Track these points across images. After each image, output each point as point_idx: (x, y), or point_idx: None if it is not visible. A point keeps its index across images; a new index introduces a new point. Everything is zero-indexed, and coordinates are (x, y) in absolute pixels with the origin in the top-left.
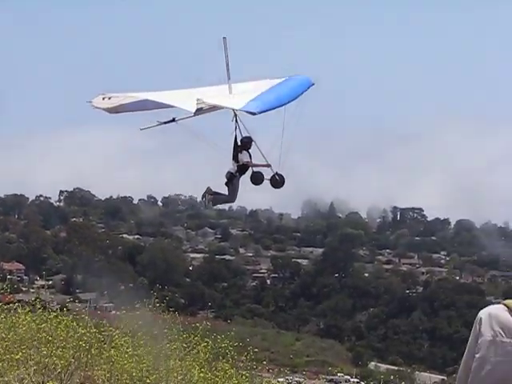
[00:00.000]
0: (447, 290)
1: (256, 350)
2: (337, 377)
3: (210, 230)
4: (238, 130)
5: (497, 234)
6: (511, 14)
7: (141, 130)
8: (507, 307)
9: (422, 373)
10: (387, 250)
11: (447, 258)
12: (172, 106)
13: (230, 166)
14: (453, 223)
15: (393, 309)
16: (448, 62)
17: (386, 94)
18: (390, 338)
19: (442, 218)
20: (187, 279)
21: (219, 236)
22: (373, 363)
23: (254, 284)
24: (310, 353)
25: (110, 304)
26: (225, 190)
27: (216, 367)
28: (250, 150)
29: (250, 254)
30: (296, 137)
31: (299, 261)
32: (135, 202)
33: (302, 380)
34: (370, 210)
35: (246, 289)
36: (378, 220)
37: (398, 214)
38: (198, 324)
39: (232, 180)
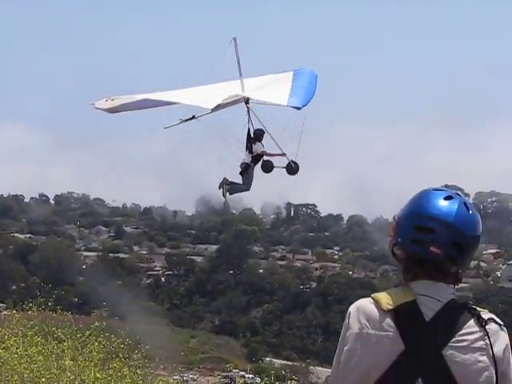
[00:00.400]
0: (340, 285)
1: (150, 347)
2: (232, 373)
3: (104, 228)
4: (250, 123)
5: (388, 229)
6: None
7: (165, 128)
8: (374, 300)
9: (317, 367)
10: (281, 246)
11: (340, 254)
12: (173, 103)
13: (243, 156)
14: (345, 219)
15: (287, 304)
16: (330, 58)
17: None
18: (285, 334)
19: (334, 214)
20: (80, 278)
21: (113, 234)
22: (268, 359)
23: (149, 282)
24: (205, 350)
25: (1, 304)
26: (239, 180)
27: (109, 366)
28: (262, 142)
29: (145, 252)
30: (186, 134)
31: (194, 258)
32: (27, 200)
33: (196, 377)
34: (263, 206)
35: (141, 287)
36: (272, 216)
37: (292, 210)
38: (91, 323)
39: (247, 170)
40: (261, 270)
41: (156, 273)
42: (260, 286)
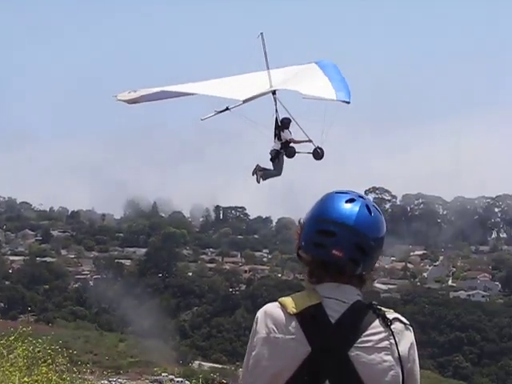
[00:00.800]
0: (270, 288)
1: (78, 352)
2: (161, 377)
3: (31, 232)
4: (277, 112)
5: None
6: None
7: (202, 120)
8: (280, 304)
9: None
10: (210, 249)
11: (269, 256)
12: (191, 94)
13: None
14: (274, 221)
15: (216, 307)
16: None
17: None
18: (214, 337)
19: (263, 217)
20: (7, 282)
21: (40, 238)
22: (197, 362)
23: (77, 286)
24: (133, 353)
25: None
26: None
27: (35, 372)
28: (289, 129)
29: (72, 256)
30: (115, 137)
31: (122, 261)
32: None
33: (125, 381)
34: (192, 209)
35: (68, 291)
36: (201, 219)
37: (221, 212)
38: (18, 328)
39: (278, 156)
40: (190, 273)
41: (84, 277)
42: (189, 288)
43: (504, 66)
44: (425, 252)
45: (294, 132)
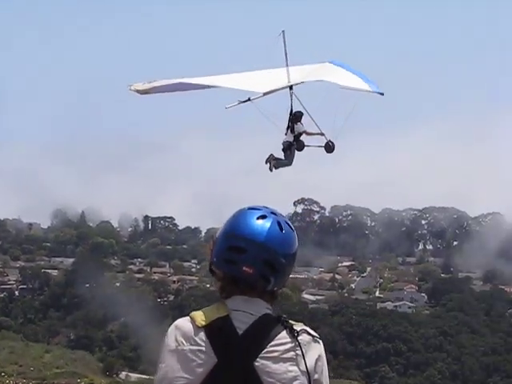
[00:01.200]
0: (198, 298)
1: (3, 363)
2: None
3: None
4: (292, 106)
5: None
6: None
7: (226, 108)
8: (190, 318)
9: None
10: (139, 259)
11: (198, 267)
12: (213, 87)
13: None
14: (203, 232)
15: (144, 318)
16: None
17: (137, 104)
18: (142, 348)
19: (192, 227)
20: None
21: None
22: (124, 373)
23: (2, 296)
24: (59, 364)
25: None
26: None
27: None
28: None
29: None
30: (42, 146)
31: (49, 271)
32: None
33: None
34: (121, 219)
35: None
36: (130, 229)
37: (150, 222)
38: None
39: (290, 147)
40: (118, 283)
41: (10, 286)
42: (117, 299)
43: (423, 79)
44: (353, 263)
45: (305, 125)
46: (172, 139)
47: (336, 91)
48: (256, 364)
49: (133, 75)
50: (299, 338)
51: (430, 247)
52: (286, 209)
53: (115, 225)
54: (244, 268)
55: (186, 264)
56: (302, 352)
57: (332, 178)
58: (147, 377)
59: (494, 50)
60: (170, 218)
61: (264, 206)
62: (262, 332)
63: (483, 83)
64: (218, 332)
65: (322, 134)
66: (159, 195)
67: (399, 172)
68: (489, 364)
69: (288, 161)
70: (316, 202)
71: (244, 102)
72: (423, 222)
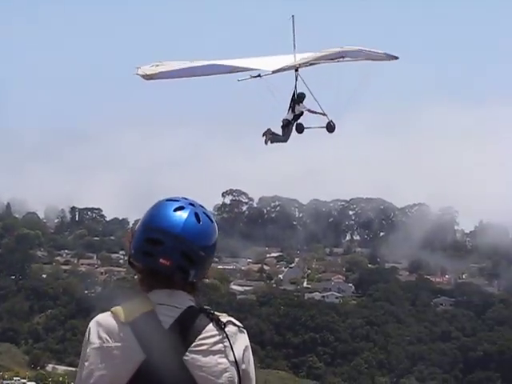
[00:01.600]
0: (126, 289)
1: None
2: (12, 381)
3: None
4: (296, 87)
5: None
6: None
7: (238, 81)
8: (113, 313)
9: None
10: (66, 251)
11: (126, 258)
12: (232, 69)
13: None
14: (131, 223)
15: (71, 310)
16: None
17: (67, 92)
18: (69, 340)
19: (120, 218)
20: None
21: None
22: (51, 365)
23: None
24: None
25: None
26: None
27: None
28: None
29: None
30: None
31: None
32: None
33: None
34: (47, 210)
35: None
36: (56, 220)
37: (77, 214)
38: None
39: (288, 125)
40: (44, 275)
41: None
42: (43, 291)
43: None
44: (281, 254)
45: (309, 106)
46: (99, 129)
47: (336, 74)
48: (185, 358)
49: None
50: (226, 329)
51: (357, 238)
52: (214, 200)
53: (41, 216)
54: (161, 260)
55: (114, 255)
56: (230, 343)
57: (260, 170)
58: (74, 369)
59: (401, 41)
60: (97, 209)
61: (183, 197)
62: (188, 325)
63: (404, 76)
64: (143, 327)
65: (324, 115)
66: (86, 186)
67: (327, 163)
68: (414, 353)
69: (284, 137)
70: (244, 193)
71: (255, 77)
72: (350, 212)
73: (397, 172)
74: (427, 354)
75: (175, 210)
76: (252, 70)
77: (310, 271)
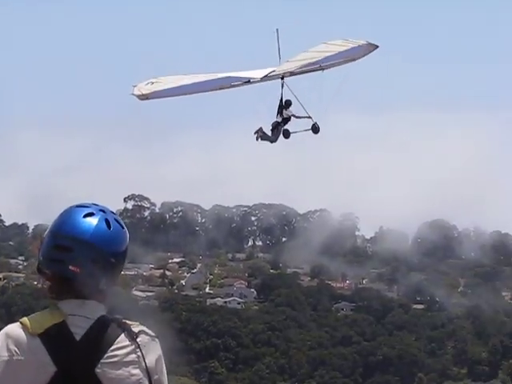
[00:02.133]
0: (25, 296)
1: None
2: None
3: None
4: (282, 94)
5: None
6: None
7: (231, 85)
8: (22, 324)
9: None
10: None
11: (25, 263)
12: (223, 82)
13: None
14: (31, 228)
15: None
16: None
17: None
18: None
19: (20, 223)
20: None
21: None
22: None
23: None
24: None
25: None
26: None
27: None
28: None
29: None
30: None
31: None
32: None
33: None
34: None
35: None
36: None
37: None
38: None
39: (277, 127)
40: None
41: None
42: None
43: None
44: (183, 259)
45: (294, 111)
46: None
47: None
48: (97, 371)
49: None
50: (138, 339)
51: (259, 243)
52: (115, 205)
53: None
54: (70, 267)
55: (13, 261)
56: (142, 354)
57: (163, 175)
58: None
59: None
60: None
61: (93, 204)
62: (100, 336)
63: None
64: (54, 339)
65: (309, 117)
66: None
67: (230, 169)
68: (315, 357)
69: (273, 137)
70: (146, 199)
71: (245, 82)
72: (253, 218)
73: (298, 178)
74: (328, 359)
75: (85, 216)
76: (242, 78)
77: (212, 277)
